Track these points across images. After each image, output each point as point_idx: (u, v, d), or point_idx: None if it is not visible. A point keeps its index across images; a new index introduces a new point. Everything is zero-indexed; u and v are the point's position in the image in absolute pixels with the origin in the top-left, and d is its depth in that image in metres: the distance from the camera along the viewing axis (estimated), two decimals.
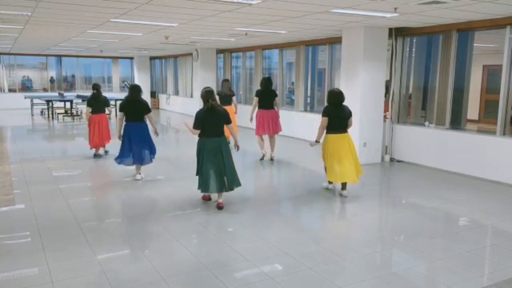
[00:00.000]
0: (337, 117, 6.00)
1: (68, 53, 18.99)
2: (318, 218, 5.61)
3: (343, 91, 8.59)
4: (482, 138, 7.48)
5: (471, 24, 7.33)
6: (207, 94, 5.40)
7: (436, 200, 6.10)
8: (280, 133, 8.71)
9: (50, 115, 15.99)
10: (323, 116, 6.02)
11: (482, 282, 3.70)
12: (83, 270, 3.76)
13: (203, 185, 5.46)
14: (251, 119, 8.58)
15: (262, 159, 8.58)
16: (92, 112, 8.57)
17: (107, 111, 8.85)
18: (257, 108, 8.48)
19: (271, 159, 8.55)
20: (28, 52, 18.77)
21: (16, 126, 14.14)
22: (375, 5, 5.86)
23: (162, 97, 21.08)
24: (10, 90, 20.14)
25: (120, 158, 6.91)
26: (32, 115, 16.91)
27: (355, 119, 8.26)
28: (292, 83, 13.19)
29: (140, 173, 7.03)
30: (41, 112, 17.21)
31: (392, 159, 8.75)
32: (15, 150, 9.41)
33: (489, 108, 12.83)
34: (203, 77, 15.11)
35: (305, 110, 11.72)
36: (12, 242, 4.47)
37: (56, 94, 19.07)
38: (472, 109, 11.30)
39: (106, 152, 8.99)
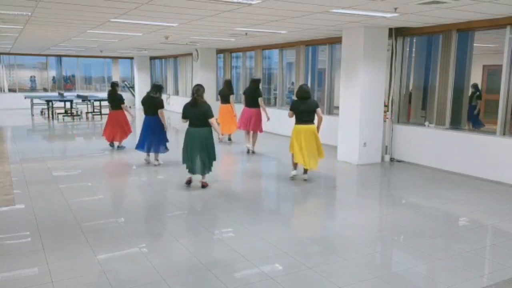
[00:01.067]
0: (302, 111, 6.71)
1: (68, 53, 18.98)
2: (318, 218, 5.61)
3: (343, 91, 8.77)
4: (482, 138, 7.47)
5: (471, 24, 7.33)
6: (193, 89, 6.29)
7: (436, 200, 6.10)
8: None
9: (50, 115, 16.00)
10: (290, 109, 6.85)
11: (482, 282, 3.70)
12: (83, 270, 3.76)
13: (189, 167, 6.33)
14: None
15: (248, 152, 9.33)
16: (110, 109, 9.60)
17: (130, 111, 9.61)
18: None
19: (252, 152, 9.28)
20: (28, 52, 18.77)
21: (16, 126, 14.14)
22: (375, 5, 5.86)
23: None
24: (10, 90, 20.14)
25: (137, 146, 8.04)
26: (32, 115, 16.91)
27: (355, 119, 8.35)
28: (292, 83, 13.18)
29: (157, 160, 8.01)
30: (41, 112, 17.22)
31: (392, 159, 8.75)
32: (15, 150, 9.41)
33: (489, 108, 12.81)
34: (203, 77, 15.09)
35: None
36: (12, 242, 4.47)
37: (56, 94, 19.08)
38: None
39: (118, 147, 9.61)
